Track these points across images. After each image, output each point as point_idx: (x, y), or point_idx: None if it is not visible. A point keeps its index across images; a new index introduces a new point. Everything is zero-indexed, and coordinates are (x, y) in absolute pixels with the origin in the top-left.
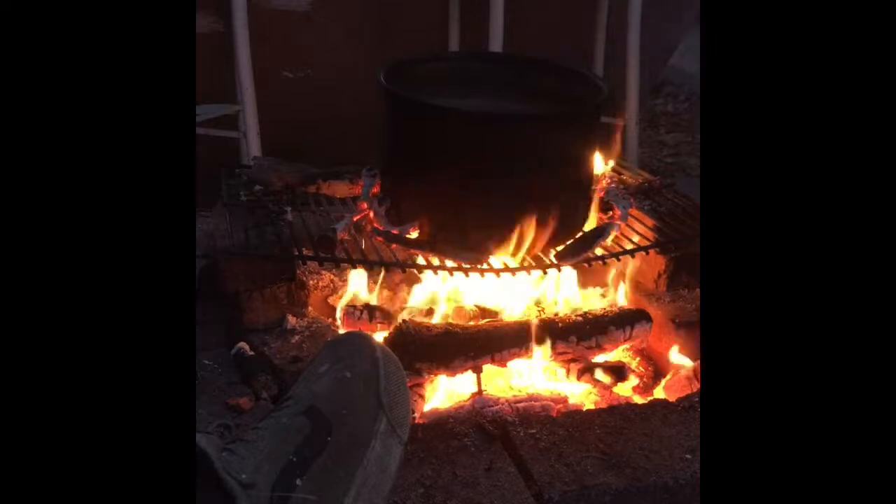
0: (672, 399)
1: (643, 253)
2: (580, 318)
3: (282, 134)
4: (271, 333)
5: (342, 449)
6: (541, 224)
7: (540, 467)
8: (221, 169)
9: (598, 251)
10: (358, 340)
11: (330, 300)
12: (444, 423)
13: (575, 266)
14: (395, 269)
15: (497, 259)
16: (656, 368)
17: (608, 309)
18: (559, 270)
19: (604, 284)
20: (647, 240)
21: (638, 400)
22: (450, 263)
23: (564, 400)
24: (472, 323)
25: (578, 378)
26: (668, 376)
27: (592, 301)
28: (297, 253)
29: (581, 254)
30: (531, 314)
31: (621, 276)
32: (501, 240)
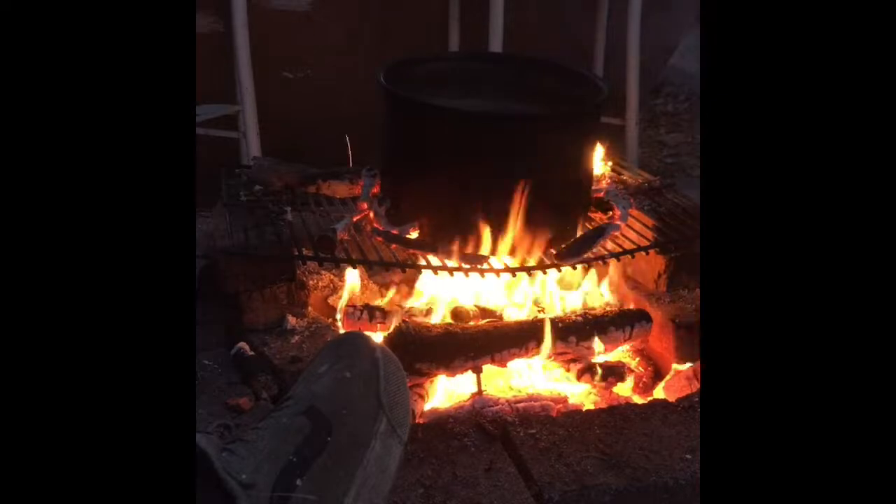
0: (672, 399)
1: (643, 253)
2: (580, 318)
3: (282, 134)
4: (271, 334)
5: (342, 449)
6: (541, 224)
7: (540, 467)
8: (221, 169)
9: (598, 251)
10: (358, 340)
11: (330, 300)
12: (444, 424)
13: (574, 266)
14: (395, 269)
15: (497, 259)
16: (656, 368)
17: (608, 309)
18: (559, 270)
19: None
20: (647, 240)
21: (638, 400)
22: (450, 263)
23: (564, 400)
24: (472, 323)
25: (578, 378)
26: (668, 376)
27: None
28: (296, 253)
29: (581, 254)
30: (531, 314)
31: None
32: (501, 240)
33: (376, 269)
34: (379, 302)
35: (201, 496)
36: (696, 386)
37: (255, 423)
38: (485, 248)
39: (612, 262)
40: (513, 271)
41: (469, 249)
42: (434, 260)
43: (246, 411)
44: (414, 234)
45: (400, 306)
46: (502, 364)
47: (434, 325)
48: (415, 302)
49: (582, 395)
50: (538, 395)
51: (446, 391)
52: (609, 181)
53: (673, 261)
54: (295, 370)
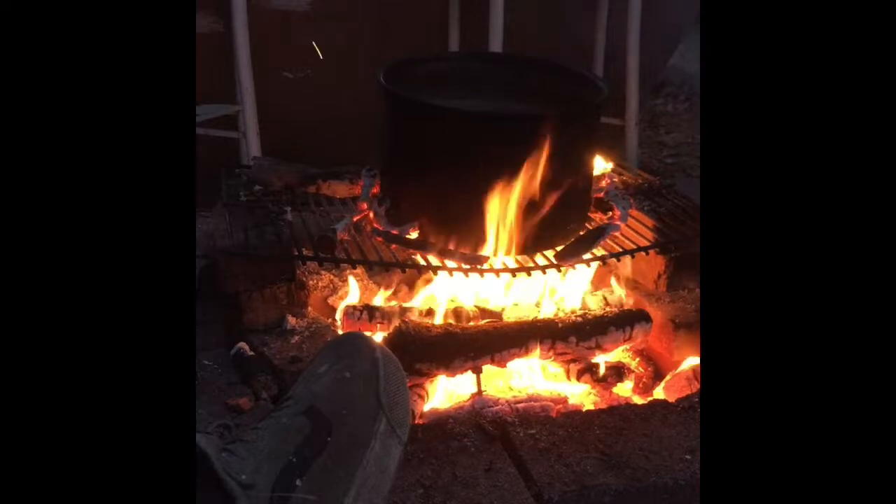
0: (672, 399)
1: (643, 253)
2: (580, 319)
3: (282, 134)
4: (271, 334)
5: (342, 449)
6: (541, 224)
7: (540, 468)
8: (221, 169)
9: (598, 251)
10: (358, 341)
11: (330, 300)
12: (443, 424)
13: (574, 266)
14: (395, 269)
15: (497, 259)
16: (656, 369)
17: (608, 309)
18: (559, 271)
19: (603, 285)
20: (647, 240)
21: (638, 400)
22: (450, 263)
23: (564, 400)
24: (471, 323)
25: (578, 378)
26: (668, 377)
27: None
28: (296, 253)
29: (580, 254)
30: (531, 314)
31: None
32: (501, 240)
33: (376, 269)
34: (379, 302)
35: (201, 496)
36: (696, 386)
37: (254, 424)
38: (484, 249)
39: (625, 261)
40: (513, 271)
41: (469, 249)
42: (434, 260)
43: (246, 411)
44: (414, 234)
45: (400, 306)
46: (502, 364)
47: (434, 326)
48: (415, 302)
49: (582, 395)
50: (538, 396)
51: (446, 391)
52: (609, 181)
53: (673, 261)
54: (295, 370)
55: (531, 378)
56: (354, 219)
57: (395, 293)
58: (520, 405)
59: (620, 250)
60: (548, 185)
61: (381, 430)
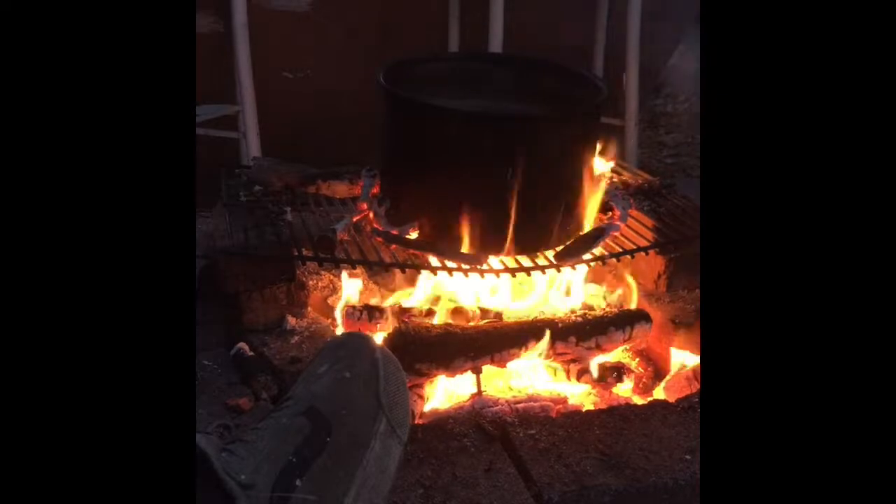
0: (672, 399)
1: (643, 253)
2: (580, 319)
3: (282, 134)
4: (271, 334)
5: (342, 449)
6: (541, 224)
7: (539, 468)
8: (221, 169)
9: (598, 251)
10: (357, 341)
11: (329, 301)
12: (443, 424)
13: (574, 266)
14: (395, 269)
15: (497, 259)
16: (656, 369)
17: (608, 309)
18: (559, 271)
19: (604, 284)
20: (647, 240)
21: (637, 400)
22: (450, 264)
23: (564, 400)
24: (471, 323)
25: (578, 379)
26: (668, 377)
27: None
28: (296, 253)
29: (581, 254)
30: (531, 315)
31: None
32: (501, 240)
33: (376, 269)
34: (378, 301)
35: (201, 496)
36: (696, 386)
37: (254, 424)
38: (484, 249)
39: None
40: (512, 271)
41: (469, 250)
42: (434, 260)
43: (246, 412)
44: (414, 234)
45: (400, 306)
46: (502, 364)
47: (434, 326)
48: (414, 302)
49: (581, 395)
50: (538, 396)
51: (446, 392)
52: (609, 182)
53: (673, 261)
54: (295, 370)
55: (531, 378)
56: (354, 219)
57: (380, 291)
58: (520, 405)
59: (620, 250)
60: (547, 185)
61: (381, 430)
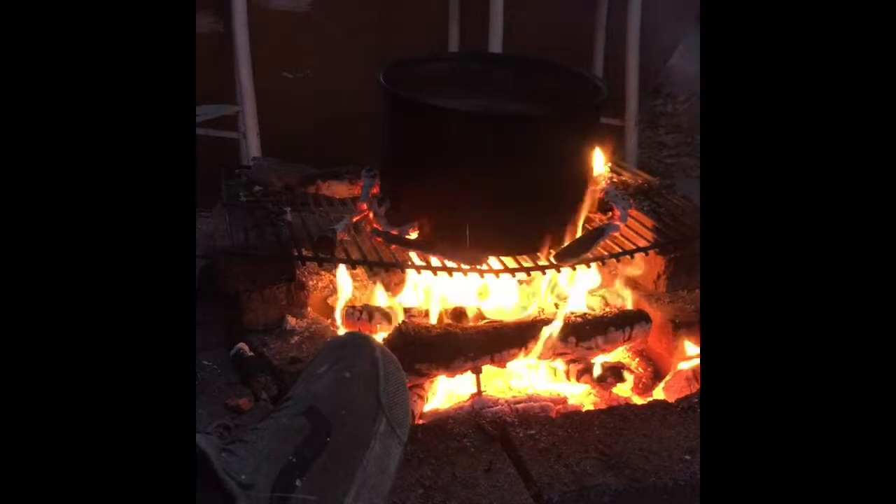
0: (671, 400)
1: (642, 254)
2: (580, 319)
3: (282, 134)
4: (271, 334)
5: (342, 449)
6: (540, 224)
7: (539, 468)
8: (221, 169)
9: (598, 251)
10: (357, 341)
11: (329, 301)
12: (443, 424)
13: (574, 267)
14: (395, 269)
15: (496, 260)
16: (656, 369)
17: (608, 310)
18: (558, 271)
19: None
20: (647, 240)
21: (637, 401)
22: (449, 264)
23: (564, 401)
24: (471, 323)
25: (578, 379)
26: (668, 377)
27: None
28: (296, 253)
29: (580, 254)
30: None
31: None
32: (501, 240)
33: (376, 269)
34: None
35: (201, 496)
36: (696, 386)
37: (254, 424)
38: (484, 249)
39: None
40: (512, 272)
41: (468, 250)
42: (434, 260)
43: (246, 412)
44: (414, 235)
45: (399, 306)
46: (502, 365)
47: (434, 326)
48: (413, 302)
49: (581, 395)
50: (538, 396)
51: (446, 392)
52: (609, 181)
53: (672, 261)
54: (294, 371)
55: (531, 378)
56: (354, 219)
57: (394, 294)
58: (519, 405)
59: (620, 250)
60: (547, 185)
61: (381, 430)
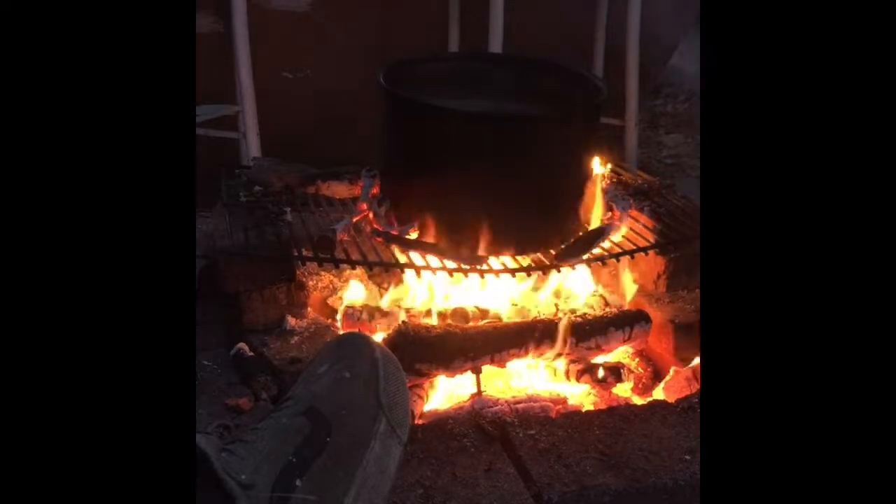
0: (671, 400)
1: (642, 254)
2: (580, 319)
3: (282, 134)
4: (271, 334)
5: (342, 449)
6: (540, 224)
7: (539, 468)
8: (221, 169)
9: (598, 252)
10: (357, 341)
11: (329, 301)
12: (443, 424)
13: (574, 267)
14: (395, 269)
15: (496, 260)
16: (655, 369)
17: (608, 310)
18: (558, 271)
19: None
20: (647, 240)
21: (637, 401)
22: (449, 264)
23: (564, 401)
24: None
25: (578, 379)
26: (668, 377)
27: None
28: (296, 253)
29: (580, 254)
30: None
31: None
32: (501, 240)
33: (376, 269)
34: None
35: (201, 496)
36: (696, 387)
37: (254, 424)
38: (484, 249)
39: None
40: (512, 272)
41: (468, 250)
42: (434, 260)
43: (246, 412)
44: (413, 235)
45: (399, 306)
46: (501, 365)
47: (434, 326)
48: (413, 302)
49: (581, 395)
50: (537, 396)
51: (446, 392)
52: (608, 182)
53: (672, 261)
54: (294, 371)
55: (531, 378)
56: (354, 219)
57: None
58: (519, 405)
59: (620, 250)
60: (547, 185)
61: (380, 430)
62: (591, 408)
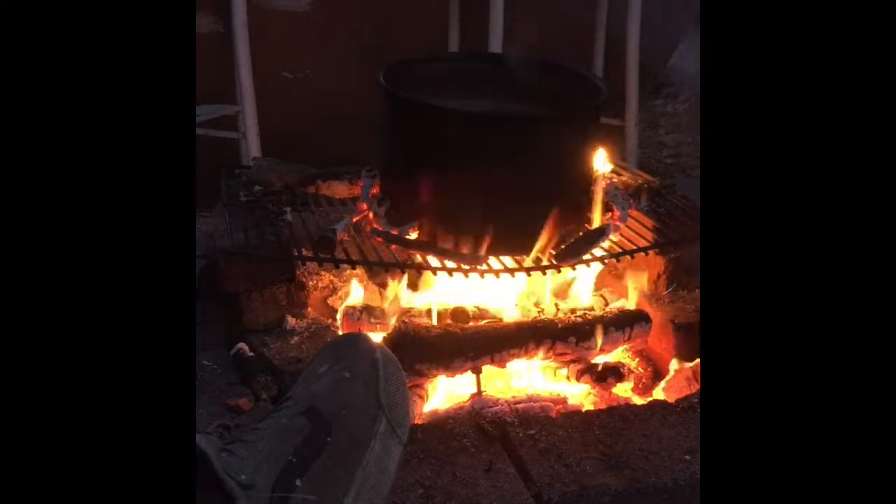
0: (671, 400)
1: (643, 253)
2: (579, 319)
3: (282, 134)
4: (271, 334)
5: (342, 449)
6: (540, 225)
7: (539, 468)
8: (221, 169)
9: (598, 252)
10: (357, 341)
11: (329, 301)
12: (443, 424)
13: (574, 267)
14: (395, 269)
15: (496, 260)
16: (655, 369)
17: (608, 310)
18: (558, 271)
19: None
20: (647, 240)
21: (637, 401)
22: (449, 264)
23: (564, 401)
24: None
25: (578, 379)
26: (668, 377)
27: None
28: (296, 253)
29: (580, 254)
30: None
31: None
32: (501, 240)
33: (376, 269)
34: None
35: (201, 496)
36: (696, 386)
37: (254, 424)
38: (484, 249)
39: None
40: (512, 272)
41: (468, 250)
42: (434, 260)
43: (246, 412)
44: (414, 235)
45: (399, 306)
46: (502, 365)
47: (434, 326)
48: (413, 302)
49: (581, 395)
50: (537, 396)
51: (446, 392)
52: (608, 182)
53: (672, 261)
54: (294, 371)
55: (530, 378)
56: (354, 219)
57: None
58: (519, 405)
59: (620, 250)
60: (547, 185)
61: (380, 430)
62: (591, 408)
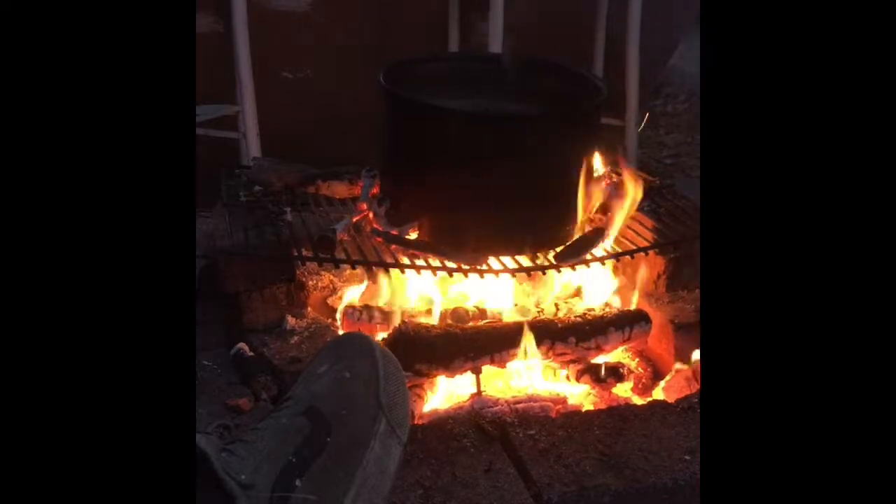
0: (671, 400)
1: (643, 253)
2: (579, 319)
3: (282, 134)
4: (271, 334)
5: (342, 449)
6: (540, 225)
7: (539, 468)
8: (221, 169)
9: (598, 252)
10: (357, 341)
11: (329, 301)
12: (443, 424)
13: (574, 267)
14: (395, 269)
15: (496, 260)
16: (655, 369)
17: (608, 310)
18: (558, 271)
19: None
20: (647, 240)
21: (637, 401)
22: (449, 264)
23: (563, 401)
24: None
25: (577, 379)
26: (668, 377)
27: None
28: (296, 253)
29: (580, 255)
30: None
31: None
32: (501, 240)
33: (376, 269)
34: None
35: (201, 496)
36: (696, 386)
37: (254, 424)
38: (484, 249)
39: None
40: (512, 272)
41: (468, 250)
42: (434, 260)
43: (246, 412)
44: (414, 235)
45: (399, 306)
46: (501, 365)
47: (434, 326)
48: (412, 302)
49: (581, 395)
50: (537, 396)
51: (446, 392)
52: (608, 182)
53: (672, 261)
54: (294, 371)
55: (530, 378)
56: (354, 219)
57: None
58: (519, 405)
59: (620, 250)
60: (547, 185)
61: (380, 430)
62: (591, 408)
